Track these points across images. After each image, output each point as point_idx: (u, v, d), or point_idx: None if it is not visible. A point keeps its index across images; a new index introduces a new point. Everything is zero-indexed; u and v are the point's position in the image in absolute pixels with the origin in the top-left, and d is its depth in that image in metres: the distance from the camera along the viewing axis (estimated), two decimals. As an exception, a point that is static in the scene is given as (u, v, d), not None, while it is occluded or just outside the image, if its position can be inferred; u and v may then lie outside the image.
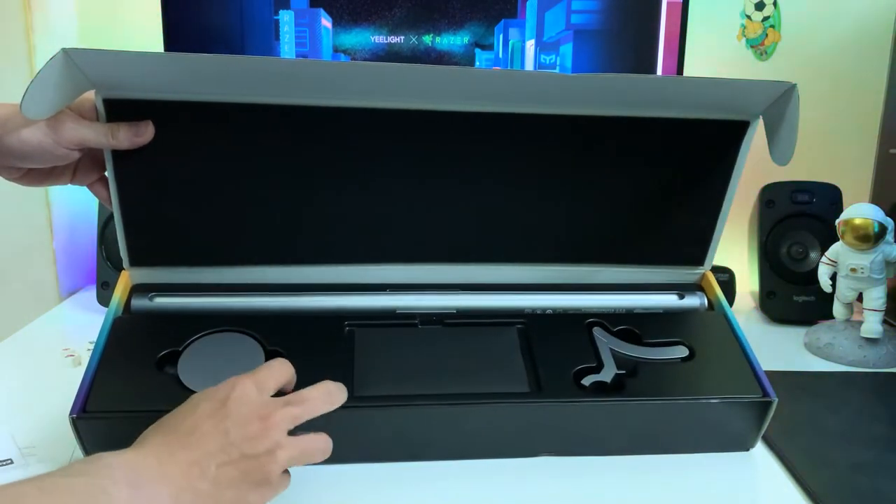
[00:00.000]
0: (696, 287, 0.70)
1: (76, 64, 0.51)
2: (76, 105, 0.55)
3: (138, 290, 0.64)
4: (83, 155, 0.57)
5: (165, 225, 0.62)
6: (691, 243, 0.68)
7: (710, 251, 0.68)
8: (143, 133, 0.56)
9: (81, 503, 0.38)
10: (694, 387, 0.60)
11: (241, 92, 0.56)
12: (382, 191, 0.63)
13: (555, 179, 0.64)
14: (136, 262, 0.63)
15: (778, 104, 0.58)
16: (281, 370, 0.50)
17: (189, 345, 0.60)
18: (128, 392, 0.55)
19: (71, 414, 0.53)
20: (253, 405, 0.47)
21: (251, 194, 0.62)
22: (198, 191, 0.61)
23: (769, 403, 0.59)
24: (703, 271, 0.70)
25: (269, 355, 0.60)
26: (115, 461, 0.41)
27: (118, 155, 0.57)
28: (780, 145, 0.58)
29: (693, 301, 0.68)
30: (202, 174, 0.60)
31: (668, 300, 0.68)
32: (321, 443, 0.49)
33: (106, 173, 0.59)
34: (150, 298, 0.63)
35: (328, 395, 0.50)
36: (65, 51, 0.49)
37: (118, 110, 0.56)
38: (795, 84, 0.56)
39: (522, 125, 0.60)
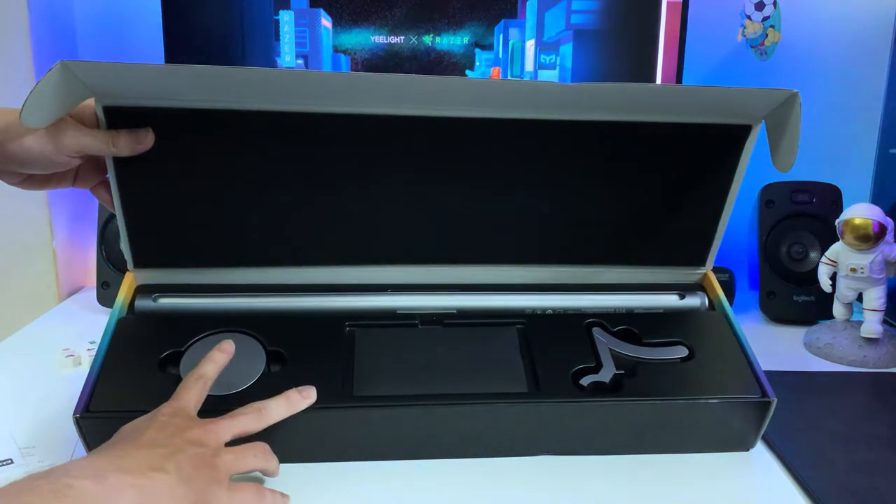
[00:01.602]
0: (698, 287, 0.70)
1: (75, 75, 0.51)
2: (77, 112, 0.55)
3: (142, 290, 0.64)
4: (84, 159, 0.58)
5: (168, 227, 0.63)
6: (693, 244, 0.68)
7: (712, 252, 0.68)
8: (143, 141, 0.56)
9: (48, 499, 0.38)
10: (693, 387, 0.60)
11: (241, 100, 0.56)
12: (383, 193, 0.63)
13: (557, 182, 0.64)
14: (139, 263, 0.64)
15: (780, 111, 0.58)
16: (195, 386, 0.52)
17: (191, 345, 0.60)
18: (130, 392, 0.56)
19: (75, 414, 0.54)
20: (186, 417, 0.49)
21: (253, 197, 0.62)
22: (200, 194, 0.61)
23: (768, 404, 0.59)
24: (704, 271, 0.70)
25: (270, 356, 0.60)
26: (74, 463, 0.42)
27: (119, 160, 0.58)
28: (781, 152, 0.58)
29: (694, 301, 0.68)
30: (204, 178, 0.61)
31: (669, 300, 0.68)
32: (258, 447, 0.51)
33: (108, 176, 0.60)
34: (154, 299, 0.64)
35: (257, 413, 0.51)
36: (62, 63, 0.49)
37: (118, 117, 0.56)
38: (797, 91, 0.56)
39: (525, 130, 0.60)
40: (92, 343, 0.81)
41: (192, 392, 0.51)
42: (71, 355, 0.78)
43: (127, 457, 0.44)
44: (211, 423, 0.49)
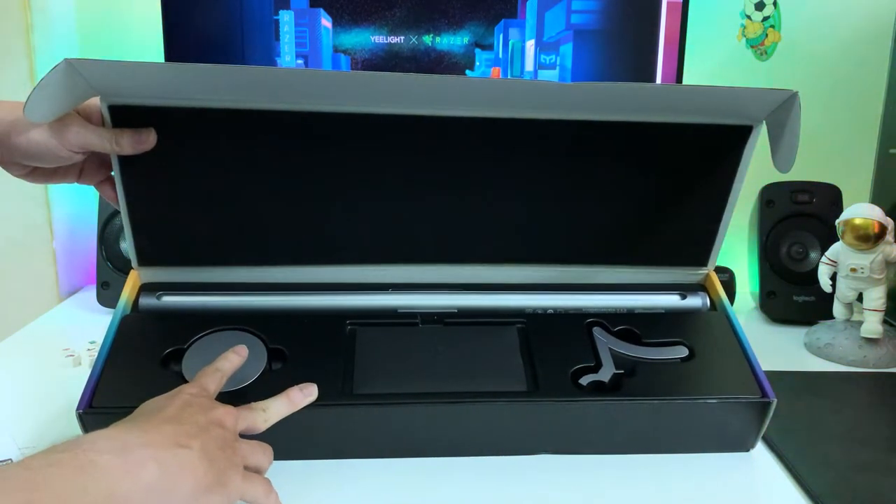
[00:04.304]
0: (699, 287, 0.70)
1: (79, 72, 0.51)
2: (83, 108, 0.56)
3: (146, 288, 0.65)
4: (90, 155, 0.58)
5: (172, 226, 0.63)
6: (694, 244, 0.68)
7: (714, 252, 0.68)
8: (146, 141, 0.57)
9: (69, 476, 0.38)
10: (692, 387, 0.60)
11: (244, 98, 0.56)
12: (385, 192, 0.63)
13: (560, 182, 0.64)
14: (143, 261, 0.64)
15: (780, 111, 0.58)
16: (215, 376, 0.52)
17: (193, 343, 0.60)
18: (133, 389, 0.56)
19: (78, 409, 0.54)
20: (208, 398, 0.49)
21: (256, 196, 0.62)
22: (203, 193, 0.61)
23: (768, 404, 0.59)
24: (706, 271, 0.70)
25: (272, 354, 0.60)
26: (98, 435, 0.42)
27: (124, 158, 0.58)
28: (782, 152, 0.58)
29: (695, 301, 0.68)
30: (207, 177, 0.61)
31: (671, 300, 0.68)
32: (266, 446, 0.51)
33: (112, 173, 0.60)
34: (158, 297, 0.64)
35: (262, 412, 0.52)
36: (67, 61, 0.49)
37: (123, 116, 0.56)
38: (797, 92, 0.56)
39: (527, 129, 0.60)
40: (92, 343, 0.81)
41: (212, 379, 0.52)
42: (71, 355, 0.78)
43: (153, 431, 0.44)
44: (230, 408, 0.49)
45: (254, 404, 0.51)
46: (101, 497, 0.38)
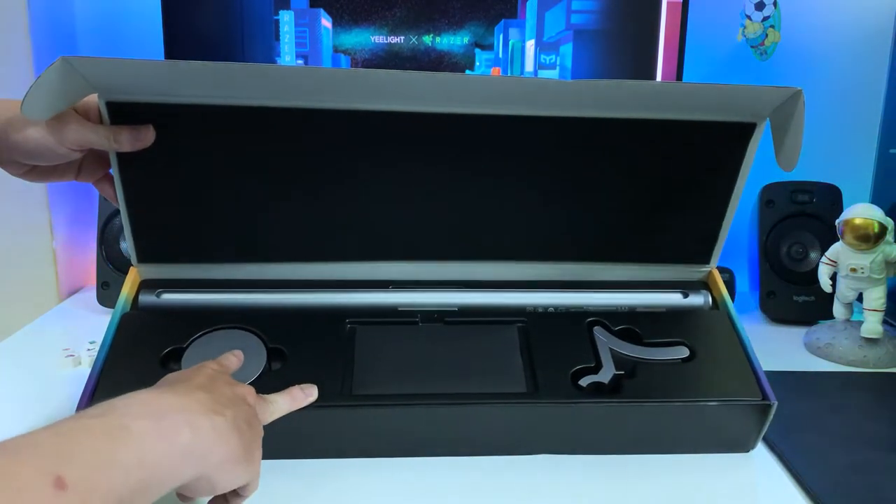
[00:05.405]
0: (701, 285, 0.70)
1: (76, 70, 0.51)
2: (82, 106, 0.56)
3: (146, 286, 0.65)
4: (88, 153, 0.58)
5: (171, 223, 0.63)
6: (697, 241, 0.68)
7: (716, 249, 0.68)
8: (144, 137, 0.57)
9: (100, 442, 0.37)
10: (692, 388, 0.60)
11: (242, 96, 0.56)
12: (386, 189, 0.63)
13: (561, 179, 0.64)
14: (143, 258, 0.64)
15: (784, 108, 0.58)
16: (227, 361, 0.53)
17: (193, 342, 0.60)
18: (133, 389, 0.56)
19: (78, 410, 0.54)
20: (228, 376, 0.49)
21: (255, 193, 0.62)
22: (202, 189, 0.61)
23: (769, 407, 0.59)
24: (708, 269, 0.70)
25: (271, 353, 0.60)
26: (132, 399, 0.41)
27: (123, 155, 0.58)
28: (785, 150, 0.58)
29: (697, 300, 0.68)
30: (206, 173, 0.61)
31: (672, 298, 0.68)
32: None
33: (111, 171, 0.60)
34: (158, 295, 0.64)
35: (267, 404, 0.51)
36: (64, 58, 0.49)
37: (121, 112, 0.56)
38: (801, 89, 0.55)
39: (528, 127, 0.60)
40: (92, 343, 0.81)
41: (230, 357, 0.53)
42: (71, 355, 0.77)
43: (186, 397, 0.43)
44: (251, 387, 0.49)
45: (262, 395, 0.51)
46: (132, 465, 0.37)
